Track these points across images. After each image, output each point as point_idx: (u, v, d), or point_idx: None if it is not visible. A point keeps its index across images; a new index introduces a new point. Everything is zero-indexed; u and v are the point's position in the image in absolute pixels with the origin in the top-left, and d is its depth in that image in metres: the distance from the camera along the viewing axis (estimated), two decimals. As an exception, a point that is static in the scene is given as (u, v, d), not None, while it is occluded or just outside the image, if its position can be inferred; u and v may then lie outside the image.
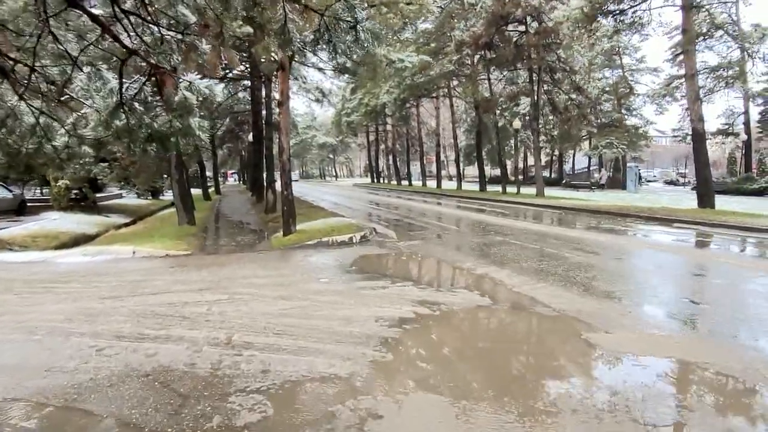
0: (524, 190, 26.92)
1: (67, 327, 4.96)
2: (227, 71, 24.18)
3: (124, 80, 3.22)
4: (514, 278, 6.96)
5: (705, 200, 14.83)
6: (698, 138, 14.81)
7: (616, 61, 39.55)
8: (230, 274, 7.35)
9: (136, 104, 3.31)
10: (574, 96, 23.60)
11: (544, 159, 48.91)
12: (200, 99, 3.26)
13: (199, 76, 3.42)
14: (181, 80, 3.38)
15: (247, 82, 28.90)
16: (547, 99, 24.60)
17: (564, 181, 40.51)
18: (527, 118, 29.74)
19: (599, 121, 33.74)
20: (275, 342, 4.46)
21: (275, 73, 17.88)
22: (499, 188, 30.69)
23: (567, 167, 53.06)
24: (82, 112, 3.65)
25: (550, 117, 28.75)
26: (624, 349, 4.25)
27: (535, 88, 23.14)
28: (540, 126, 25.22)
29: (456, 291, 6.31)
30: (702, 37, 21.45)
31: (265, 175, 19.28)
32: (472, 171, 52.97)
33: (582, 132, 33.27)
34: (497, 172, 47.83)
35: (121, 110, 3.31)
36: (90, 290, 6.50)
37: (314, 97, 20.01)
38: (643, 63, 38.75)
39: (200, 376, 3.77)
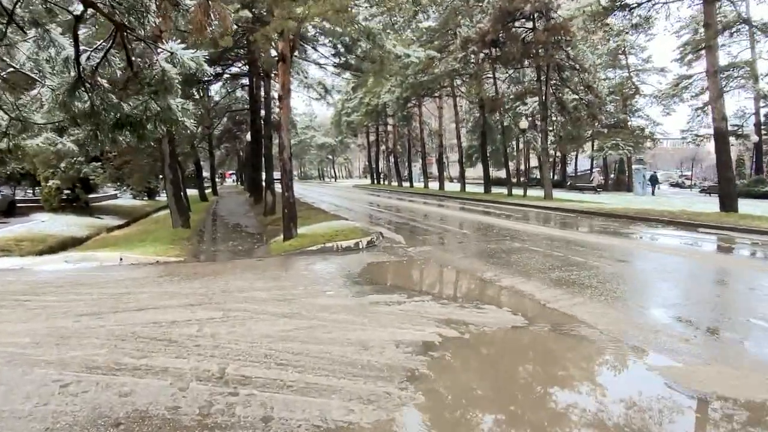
0: (529, 192, 26.18)
1: (31, 354, 4.17)
2: (223, 71, 23.43)
3: (84, 47, 2.44)
4: (545, 291, 6.19)
5: (728, 204, 14.08)
6: (721, 138, 14.06)
7: (621, 61, 38.88)
8: (225, 285, 6.56)
9: (101, 80, 2.54)
10: (583, 95, 22.85)
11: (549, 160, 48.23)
12: (184, 73, 2.50)
13: (182, 45, 2.64)
14: (159, 50, 2.60)
15: (245, 81, 28.20)
16: (555, 98, 23.84)
17: (569, 183, 39.81)
18: (531, 118, 29.03)
19: (607, 121, 33.05)
20: (278, 376, 3.68)
21: (275, 66, 17.14)
22: (502, 190, 29.92)
23: (569, 169, 52.28)
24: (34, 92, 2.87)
25: (558, 117, 27.96)
26: (710, 387, 3.47)
27: (543, 87, 22.39)
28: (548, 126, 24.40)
29: (483, 308, 5.53)
30: (727, 32, 20.68)
31: (263, 176, 18.49)
32: (472, 173, 52.20)
33: (588, 133, 32.49)
34: (499, 173, 47.22)
35: (82, 87, 2.53)
36: (66, 305, 5.70)
37: (316, 94, 19.22)
38: (649, 63, 38.06)
39: (185, 425, 2.99)
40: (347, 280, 6.92)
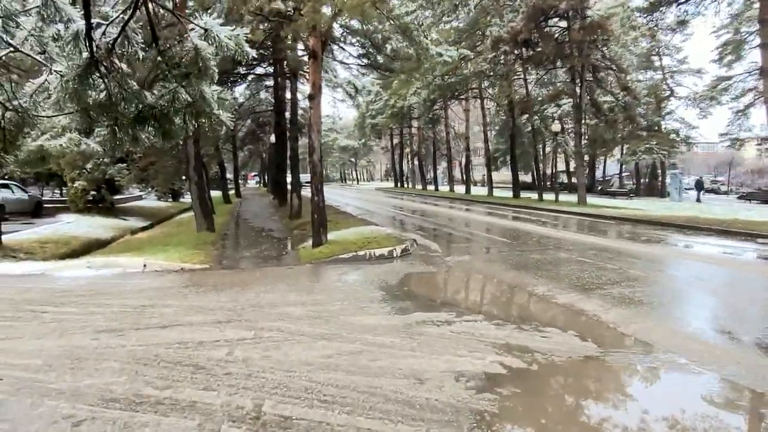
0: (560, 197, 25.26)
1: (42, 381, 3.68)
2: (248, 72, 23.16)
3: (97, 20, 1.91)
4: (610, 312, 5.51)
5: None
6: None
7: (655, 62, 37.51)
8: (255, 298, 6.03)
9: (118, 62, 2.01)
10: (620, 96, 21.88)
11: (574, 165, 46.97)
12: (221, 53, 1.95)
13: (218, 20, 2.10)
14: (191, 26, 2.05)
15: (269, 82, 27.92)
16: (590, 100, 22.91)
17: (599, 188, 38.62)
18: (559, 120, 28.03)
19: (641, 124, 31.88)
20: (324, 418, 3.11)
21: (301, 66, 16.69)
22: (531, 195, 29.04)
23: (597, 173, 50.85)
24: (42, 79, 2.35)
25: (591, 120, 26.95)
26: None
27: (578, 88, 21.51)
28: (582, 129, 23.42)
29: (544, 330, 4.88)
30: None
31: (289, 178, 18.06)
32: (496, 176, 51.12)
33: (619, 136, 31.33)
34: (524, 177, 46.13)
35: (96, 72, 2.00)
36: (85, 318, 5.24)
37: (342, 95, 18.71)
38: (684, 64, 36.60)
39: (217, 489, 2.44)
40: (386, 294, 6.33)
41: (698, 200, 28.92)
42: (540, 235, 12.19)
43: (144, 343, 4.42)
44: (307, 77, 21.48)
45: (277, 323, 4.98)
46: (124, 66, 2.09)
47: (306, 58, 17.96)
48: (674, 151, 36.42)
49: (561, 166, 50.21)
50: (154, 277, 7.53)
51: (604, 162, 52.33)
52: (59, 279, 7.47)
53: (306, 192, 16.41)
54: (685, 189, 42.45)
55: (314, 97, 9.17)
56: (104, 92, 2.09)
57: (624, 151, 42.22)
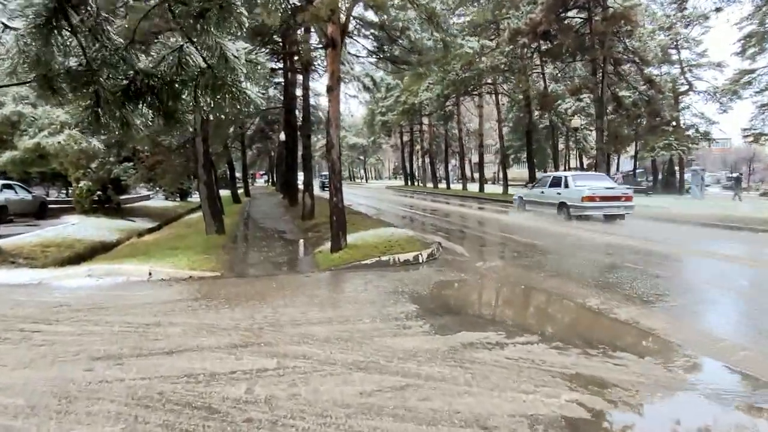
0: None
1: (18, 429, 2.99)
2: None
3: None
4: (684, 330, 4.76)
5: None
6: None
7: (672, 56, 36.41)
8: (273, 314, 5.32)
9: (94, 4, 1.29)
10: (643, 90, 20.98)
11: (586, 162, 45.97)
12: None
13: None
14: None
15: (278, 79, 27.25)
16: (611, 94, 22.02)
17: (614, 186, 37.52)
18: (578, 116, 27.14)
19: (657, 119, 30.89)
20: (377, 493, 2.38)
21: (312, 60, 15.97)
22: (548, 192, 28.29)
23: (610, 170, 49.74)
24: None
25: (611, 114, 26.01)
26: None
27: (600, 81, 20.63)
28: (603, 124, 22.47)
29: (616, 356, 4.13)
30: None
31: (301, 177, 17.37)
32: (509, 174, 50.17)
33: (637, 131, 30.39)
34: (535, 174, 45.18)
35: (64, 22, 1.29)
36: (80, 340, 4.56)
37: (358, 89, 17.95)
38: (704, 57, 35.47)
39: None
40: (420, 308, 5.60)
41: (738, 199, 27.28)
42: (568, 236, 11.41)
43: (146, 375, 3.72)
44: (320, 72, 20.86)
45: (302, 347, 4.26)
46: (104, 13, 1.39)
47: (322, 49, 17.27)
48: (693, 147, 35.43)
49: (572, 164, 49.23)
50: (160, 288, 6.85)
51: (618, 159, 51.26)
52: (57, 290, 6.81)
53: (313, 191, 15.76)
54: (705, 186, 41.22)
55: (333, 89, 8.44)
56: (78, 55, 1.40)
57: (638, 147, 41.24)
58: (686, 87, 35.29)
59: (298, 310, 5.48)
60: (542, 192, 14.83)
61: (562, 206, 13.99)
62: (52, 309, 5.70)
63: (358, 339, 4.49)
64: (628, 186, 17.18)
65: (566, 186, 13.97)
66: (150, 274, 7.47)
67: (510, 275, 7.47)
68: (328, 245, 9.60)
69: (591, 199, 13.43)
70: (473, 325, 5.01)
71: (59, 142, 7.71)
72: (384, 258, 8.32)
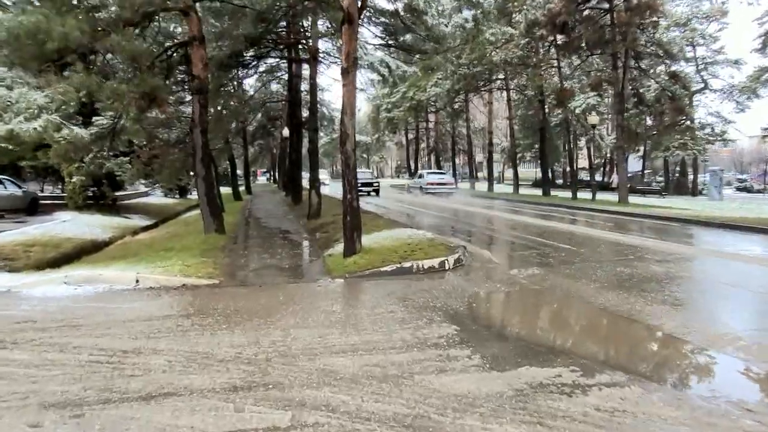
0: (585, 194, 23.40)
1: None
2: (258, 61, 21.39)
3: None
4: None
5: None
6: None
7: (688, 53, 35.26)
8: (283, 339, 4.28)
9: None
10: (667, 85, 19.89)
11: (596, 160, 44.94)
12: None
13: None
14: None
15: (281, 74, 26.20)
16: (632, 89, 20.93)
17: (628, 186, 36.52)
18: (596, 113, 26.05)
19: (669, 119, 29.78)
20: None
21: (314, 47, 14.90)
22: (558, 193, 27.23)
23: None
24: None
25: (629, 111, 24.90)
26: None
27: (621, 76, 19.55)
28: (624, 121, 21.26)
29: (753, 409, 3.09)
30: None
31: (307, 174, 16.33)
32: (511, 174, 49.08)
33: (654, 130, 29.28)
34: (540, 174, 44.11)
35: None
36: (36, 374, 3.54)
37: (368, 82, 16.88)
38: (721, 54, 34.29)
39: None
40: (460, 330, 4.57)
41: None
42: (606, 241, 10.37)
43: (112, 435, 2.69)
44: (326, 63, 19.82)
45: (324, 392, 3.22)
46: None
47: (329, 38, 16.22)
48: (708, 147, 34.42)
49: (582, 163, 48.14)
50: (147, 299, 5.81)
51: (627, 158, 50.09)
52: (26, 300, 5.78)
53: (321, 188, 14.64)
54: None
55: (349, 71, 7.38)
56: None
57: (647, 147, 40.19)
58: (701, 85, 34.23)
59: (313, 332, 4.44)
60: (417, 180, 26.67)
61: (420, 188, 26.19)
62: (13, 327, 4.68)
63: (394, 377, 3.46)
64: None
65: (421, 177, 26.00)
66: (137, 281, 6.45)
67: (554, 286, 6.42)
68: (338, 248, 8.59)
69: (431, 184, 26.73)
70: (534, 356, 3.98)
71: (35, 129, 6.68)
72: (406, 264, 7.27)
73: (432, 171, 33.14)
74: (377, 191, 28.56)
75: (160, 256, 8.35)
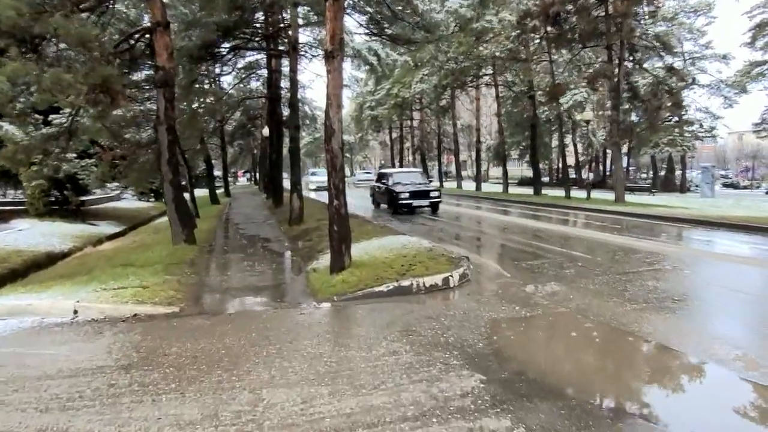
0: (577, 193, 22.54)
1: None
2: (235, 55, 20.10)
3: None
4: None
5: None
6: None
7: (675, 47, 34.75)
8: (252, 405, 3.13)
9: None
10: (664, 79, 19.11)
11: (582, 158, 44.33)
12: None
13: None
14: None
15: (261, 72, 24.89)
16: (626, 83, 20.11)
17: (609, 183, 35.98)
18: (590, 108, 25.26)
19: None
20: None
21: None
22: (549, 191, 26.37)
23: (605, 167, 48.15)
24: None
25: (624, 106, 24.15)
26: None
27: (616, 70, 18.70)
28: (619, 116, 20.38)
29: None
30: None
31: (288, 176, 15.13)
32: (497, 172, 48.25)
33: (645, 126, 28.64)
34: (527, 172, 43.38)
35: None
36: None
37: (364, 66, 15.66)
38: (709, 49, 33.84)
39: None
40: (487, 380, 3.47)
41: None
42: (620, 247, 9.38)
43: None
44: (308, 57, 18.60)
45: None
46: None
47: (309, 26, 15.01)
48: (695, 144, 34.06)
49: (569, 161, 47.52)
50: (82, 338, 4.60)
51: (610, 155, 49.69)
52: (-76, 343, 4.52)
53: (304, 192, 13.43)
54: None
55: (334, 55, 6.24)
56: None
57: (632, 144, 39.73)
58: (690, 80, 33.78)
59: (293, 394, 3.29)
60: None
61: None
62: None
63: (414, 482, 2.34)
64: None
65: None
66: (75, 312, 5.23)
67: (583, 308, 5.36)
68: (323, 260, 7.47)
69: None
70: (591, 421, 2.90)
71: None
72: (404, 283, 6.16)
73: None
74: (435, 206, 16.97)
75: (116, 274, 7.11)
